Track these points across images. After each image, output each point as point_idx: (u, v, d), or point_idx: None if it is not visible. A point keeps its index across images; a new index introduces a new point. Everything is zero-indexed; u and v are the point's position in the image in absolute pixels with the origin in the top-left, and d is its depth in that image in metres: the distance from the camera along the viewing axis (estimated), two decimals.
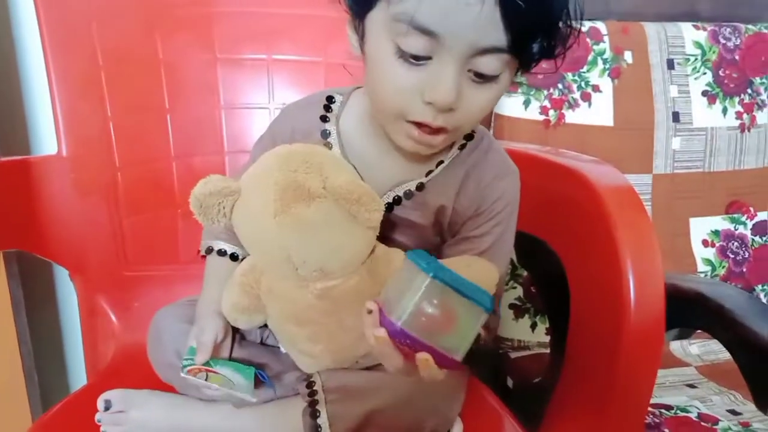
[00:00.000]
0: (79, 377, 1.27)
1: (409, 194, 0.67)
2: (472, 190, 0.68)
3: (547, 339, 1.13)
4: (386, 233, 0.66)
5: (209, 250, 0.75)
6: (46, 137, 1.11)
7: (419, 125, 0.57)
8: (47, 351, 1.21)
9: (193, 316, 0.72)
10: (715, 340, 1.12)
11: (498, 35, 0.51)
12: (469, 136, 0.69)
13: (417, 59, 0.53)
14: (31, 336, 1.06)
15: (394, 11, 0.53)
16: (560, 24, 0.55)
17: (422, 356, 0.49)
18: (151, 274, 0.96)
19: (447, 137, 0.59)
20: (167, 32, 0.95)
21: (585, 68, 1.15)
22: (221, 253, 0.74)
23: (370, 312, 0.52)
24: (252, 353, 0.72)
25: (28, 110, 1.11)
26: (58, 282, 1.22)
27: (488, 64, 0.53)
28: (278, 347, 0.74)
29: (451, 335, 0.49)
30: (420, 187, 0.67)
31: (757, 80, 1.23)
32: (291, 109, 0.74)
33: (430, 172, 0.68)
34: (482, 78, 0.54)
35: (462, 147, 0.69)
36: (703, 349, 1.14)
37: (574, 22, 0.56)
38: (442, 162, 0.68)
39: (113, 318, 0.94)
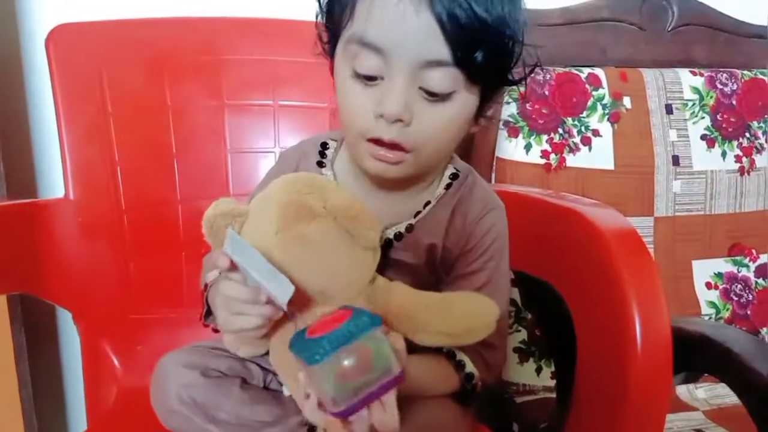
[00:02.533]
0: (79, 422, 1.25)
1: (399, 236, 0.69)
2: (460, 226, 0.69)
3: (552, 383, 1.12)
4: (381, 274, 0.66)
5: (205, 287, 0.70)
6: (54, 180, 1.12)
7: (377, 142, 0.59)
8: (48, 394, 1.20)
9: (198, 362, 0.71)
10: (722, 384, 1.11)
11: (439, 47, 0.55)
12: (455, 176, 0.71)
13: (369, 79, 0.58)
14: (32, 379, 1.05)
15: (347, 34, 0.58)
16: (505, 38, 0.57)
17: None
18: (155, 318, 0.96)
19: (409, 159, 0.61)
20: (175, 79, 0.98)
21: (584, 113, 1.17)
22: None
23: (307, 397, 0.53)
24: (254, 397, 0.71)
25: (36, 153, 1.13)
26: (61, 325, 1.21)
27: (437, 79, 0.57)
28: (281, 392, 0.73)
29: (379, 362, 0.50)
30: (409, 228, 0.69)
31: (755, 124, 1.25)
32: (284, 156, 0.77)
33: (418, 213, 0.69)
34: (434, 96, 0.57)
35: (448, 186, 0.70)
36: (710, 392, 1.12)
37: (518, 40, 0.59)
38: (429, 202, 0.70)
39: (116, 362, 0.94)
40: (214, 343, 0.75)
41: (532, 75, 0.66)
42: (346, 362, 0.48)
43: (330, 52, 0.63)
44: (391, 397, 0.52)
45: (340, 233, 0.59)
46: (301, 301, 0.60)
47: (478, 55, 0.55)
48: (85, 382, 0.96)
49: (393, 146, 0.59)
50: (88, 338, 0.94)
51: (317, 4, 0.64)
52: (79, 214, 0.93)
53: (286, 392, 0.71)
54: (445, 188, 0.70)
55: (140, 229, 0.96)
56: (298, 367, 0.53)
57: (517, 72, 0.64)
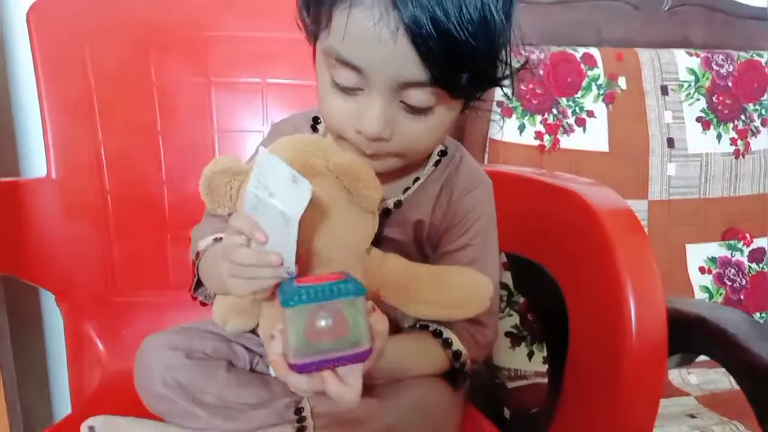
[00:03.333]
0: (63, 406, 1.24)
1: (387, 212, 0.68)
2: (446, 203, 0.69)
3: (544, 368, 1.11)
4: None
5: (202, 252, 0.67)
6: (36, 159, 1.10)
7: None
8: (31, 378, 1.19)
9: (182, 343, 0.70)
10: (715, 369, 1.11)
11: (417, 70, 0.53)
12: (443, 153, 0.71)
13: (348, 90, 0.57)
14: (15, 363, 1.04)
15: (325, 44, 0.56)
16: (489, 57, 0.55)
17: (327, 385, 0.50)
18: (139, 300, 0.94)
19: (396, 159, 0.61)
20: (161, 55, 0.95)
21: (579, 94, 1.15)
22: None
23: (272, 337, 0.52)
24: (240, 379, 0.70)
25: (18, 132, 1.11)
26: (45, 307, 1.20)
27: (415, 96, 0.56)
28: (267, 374, 0.72)
29: (351, 331, 0.49)
30: (398, 204, 0.68)
31: (750, 106, 1.24)
32: (276, 128, 0.76)
33: (407, 189, 0.69)
34: (414, 110, 0.57)
35: (437, 163, 0.70)
36: (702, 378, 1.12)
37: (510, 54, 0.58)
38: (418, 179, 0.69)
39: (100, 345, 0.92)
40: (198, 324, 0.74)
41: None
42: (318, 319, 0.48)
43: (312, 38, 0.61)
44: (352, 372, 0.51)
45: (342, 193, 0.59)
46: (302, 263, 0.58)
47: (462, 77, 0.54)
48: (68, 365, 0.94)
49: (374, 155, 0.60)
50: (72, 321, 0.93)
51: None
52: (61, 194, 0.91)
53: (273, 373, 0.70)
54: (433, 165, 0.70)
55: (124, 210, 0.94)
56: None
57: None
